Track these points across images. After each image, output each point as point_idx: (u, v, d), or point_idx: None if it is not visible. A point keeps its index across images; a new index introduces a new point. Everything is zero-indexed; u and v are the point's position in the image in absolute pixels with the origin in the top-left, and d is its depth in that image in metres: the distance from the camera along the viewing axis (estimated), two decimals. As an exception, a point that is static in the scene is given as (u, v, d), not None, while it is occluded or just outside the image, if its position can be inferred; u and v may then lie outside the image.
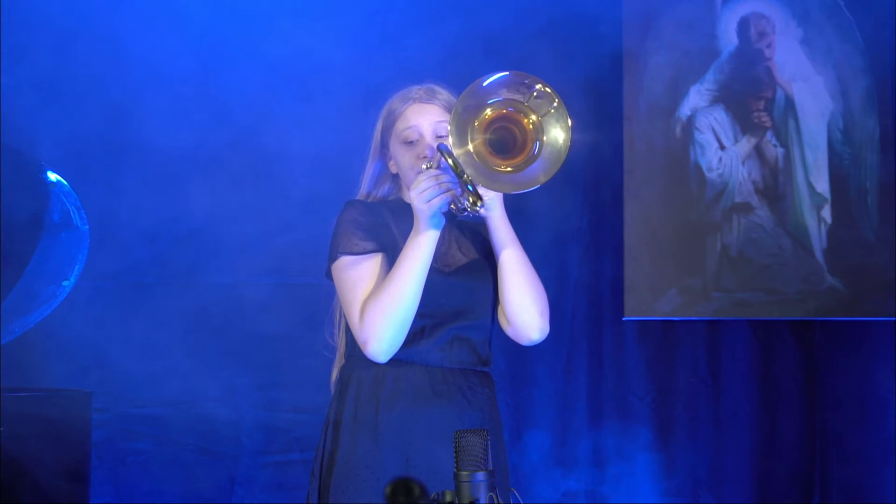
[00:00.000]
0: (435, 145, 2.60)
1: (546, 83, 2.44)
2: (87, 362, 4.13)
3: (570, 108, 4.50)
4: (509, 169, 2.44)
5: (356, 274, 2.65)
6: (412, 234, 2.59)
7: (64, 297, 3.98)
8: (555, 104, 2.44)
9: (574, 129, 4.37)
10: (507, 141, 2.45)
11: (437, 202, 2.52)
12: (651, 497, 4.49)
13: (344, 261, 2.67)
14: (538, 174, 2.42)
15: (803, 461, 4.50)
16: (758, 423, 4.53)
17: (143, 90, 4.20)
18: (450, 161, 2.44)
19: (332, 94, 4.24)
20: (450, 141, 2.43)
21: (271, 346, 4.28)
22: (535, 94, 2.44)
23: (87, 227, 4.00)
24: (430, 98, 2.73)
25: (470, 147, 2.42)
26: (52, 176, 3.98)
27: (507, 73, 2.46)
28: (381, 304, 2.57)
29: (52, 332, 4.04)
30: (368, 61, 4.27)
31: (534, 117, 2.44)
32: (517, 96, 2.44)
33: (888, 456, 4.39)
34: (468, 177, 2.43)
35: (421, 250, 2.57)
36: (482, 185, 2.46)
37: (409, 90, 2.76)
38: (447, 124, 2.59)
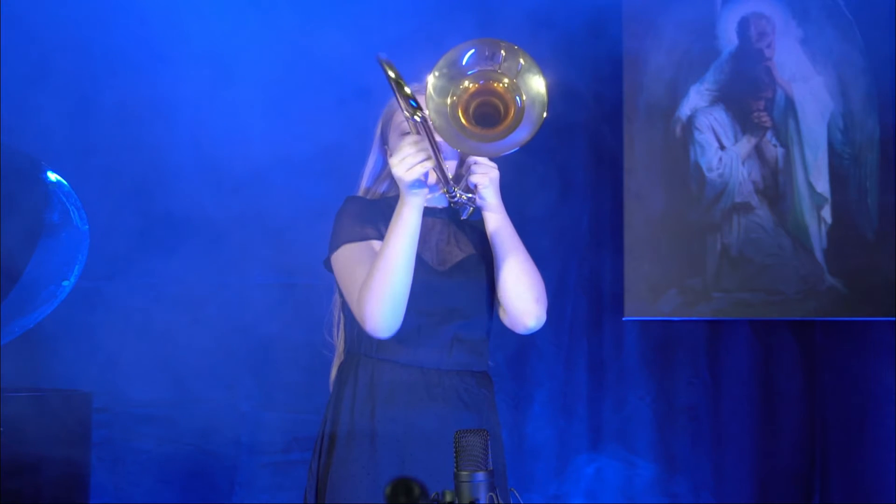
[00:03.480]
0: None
1: (507, 42, 2.45)
2: (87, 362, 4.12)
3: (570, 107, 4.52)
4: (491, 135, 2.43)
5: (355, 259, 2.66)
6: (398, 206, 2.58)
7: (64, 297, 3.98)
8: (522, 61, 2.44)
9: (574, 131, 4.37)
10: (492, 115, 2.46)
11: (419, 169, 2.49)
12: (651, 497, 4.49)
13: (344, 249, 2.69)
14: (523, 137, 2.42)
15: (803, 461, 4.50)
16: (758, 423, 4.52)
17: (144, 90, 4.19)
18: (390, 73, 2.40)
19: (332, 93, 4.24)
20: (429, 86, 2.40)
21: (271, 345, 4.28)
22: (502, 58, 2.44)
23: (87, 227, 4.00)
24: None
25: (448, 100, 2.42)
26: (52, 176, 3.98)
27: (472, 48, 2.45)
28: (375, 279, 2.57)
29: (52, 332, 4.04)
30: (369, 61, 4.27)
31: (506, 80, 2.45)
32: (488, 66, 2.45)
33: (888, 456, 4.39)
34: (409, 90, 2.39)
35: (405, 221, 2.55)
36: (451, 146, 2.44)
37: (409, 85, 2.77)
38: None
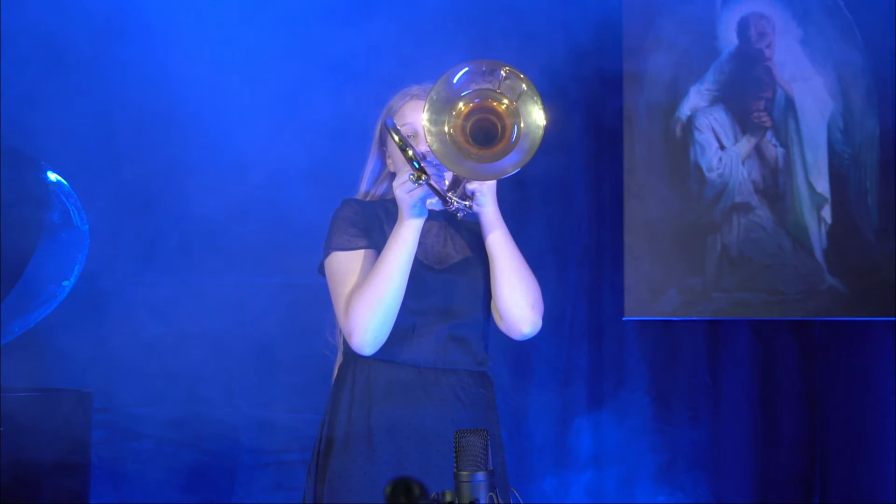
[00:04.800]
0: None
1: (508, 65, 2.47)
2: (87, 362, 4.12)
3: (570, 108, 4.52)
4: (486, 156, 2.46)
5: (346, 268, 2.68)
6: (396, 225, 2.62)
7: (64, 297, 3.98)
8: (524, 85, 2.46)
9: (573, 131, 4.37)
10: (490, 131, 2.49)
11: (419, 192, 2.55)
12: (651, 497, 4.49)
13: (335, 256, 2.70)
14: (511, 163, 2.45)
15: (803, 461, 4.50)
16: (758, 424, 4.52)
17: (144, 91, 4.19)
18: (395, 137, 2.50)
19: (331, 94, 4.24)
20: (424, 119, 2.47)
21: (271, 345, 4.28)
22: (502, 78, 2.46)
23: (87, 227, 4.00)
24: (427, 95, 2.74)
25: (446, 128, 2.46)
26: (52, 176, 3.98)
27: (468, 65, 2.48)
28: (366, 295, 2.59)
29: (52, 332, 4.04)
30: (368, 62, 4.28)
31: (507, 102, 2.47)
32: (486, 85, 2.47)
33: (888, 456, 4.39)
34: (412, 153, 2.48)
35: (404, 240, 2.60)
36: (448, 168, 2.50)
37: (409, 88, 2.79)
38: None
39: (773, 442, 4.51)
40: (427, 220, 2.71)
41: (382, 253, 2.62)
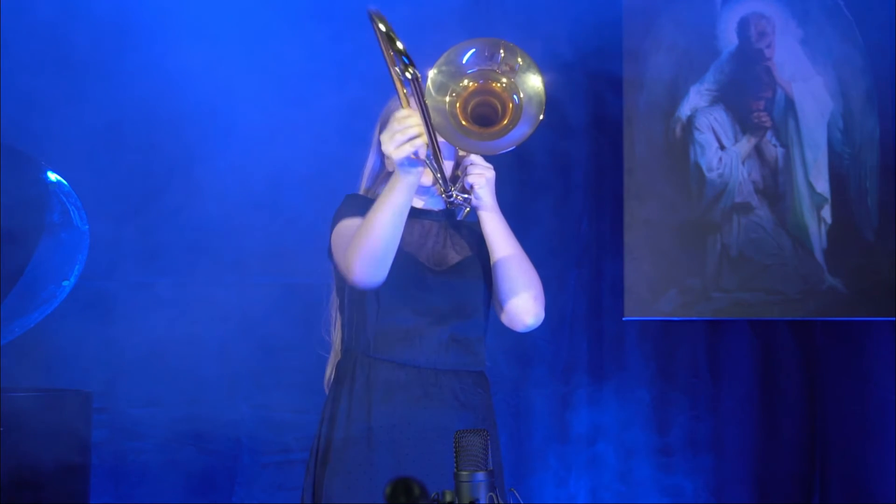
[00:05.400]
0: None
1: (506, 41, 2.46)
2: (87, 362, 4.12)
3: (570, 108, 4.51)
4: (486, 134, 2.45)
5: (351, 230, 2.63)
6: (391, 180, 2.54)
7: (64, 297, 3.98)
8: (520, 60, 2.45)
9: (574, 131, 4.38)
10: (489, 115, 2.47)
11: (408, 148, 2.44)
12: (651, 497, 4.49)
13: (341, 224, 2.68)
14: (512, 140, 2.43)
15: (803, 461, 4.50)
16: (758, 424, 4.53)
17: (144, 91, 4.20)
18: (381, 26, 2.38)
19: (331, 94, 4.24)
20: (429, 82, 2.41)
21: (271, 345, 4.28)
22: (501, 58, 2.46)
23: (87, 227, 4.00)
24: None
25: (447, 98, 2.43)
26: (52, 176, 3.98)
27: (473, 47, 2.46)
28: (361, 233, 2.54)
29: (52, 332, 4.04)
30: (369, 63, 4.27)
31: (504, 80, 2.46)
32: (487, 66, 2.47)
33: (888, 456, 4.39)
34: (402, 46, 2.36)
35: (395, 197, 2.51)
36: (449, 142, 2.45)
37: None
38: None
39: (774, 442, 4.52)
40: (427, 221, 2.70)
41: (374, 205, 2.55)
